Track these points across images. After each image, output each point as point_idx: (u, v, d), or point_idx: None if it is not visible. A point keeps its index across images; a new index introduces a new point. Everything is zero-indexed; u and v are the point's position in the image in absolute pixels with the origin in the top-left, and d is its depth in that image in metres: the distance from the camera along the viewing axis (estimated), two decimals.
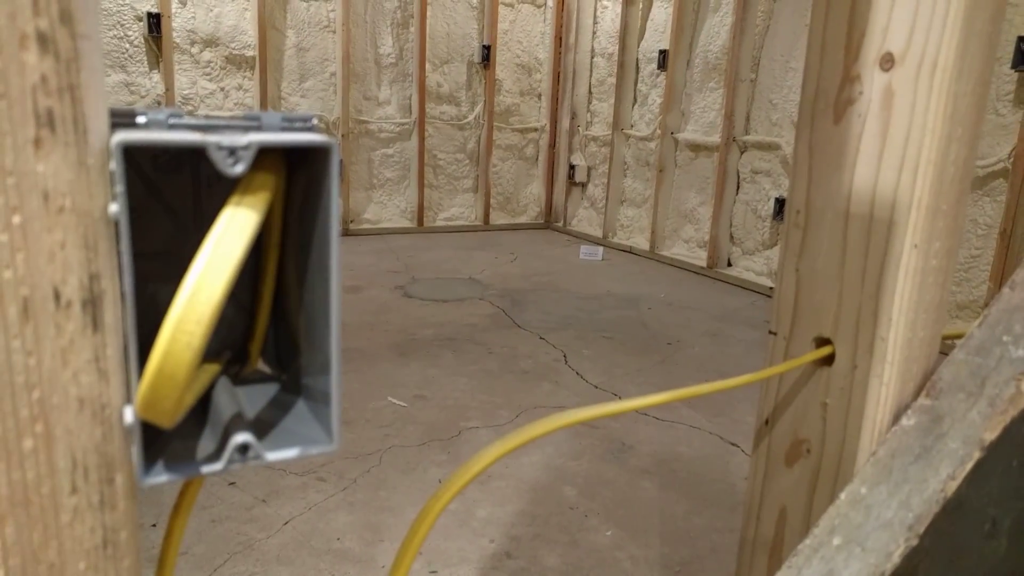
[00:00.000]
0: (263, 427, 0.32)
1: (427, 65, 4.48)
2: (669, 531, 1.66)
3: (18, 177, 0.25)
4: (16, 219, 0.25)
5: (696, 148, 4.04)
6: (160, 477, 0.28)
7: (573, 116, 4.92)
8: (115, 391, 0.28)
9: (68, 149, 0.25)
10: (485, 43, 4.62)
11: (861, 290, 0.54)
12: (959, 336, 0.57)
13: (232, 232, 0.26)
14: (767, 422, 0.64)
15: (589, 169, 4.87)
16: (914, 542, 0.48)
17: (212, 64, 4.00)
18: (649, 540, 1.63)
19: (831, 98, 0.54)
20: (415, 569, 1.50)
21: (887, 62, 0.50)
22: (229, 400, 0.33)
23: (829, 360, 0.58)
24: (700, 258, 4.02)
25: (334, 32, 4.22)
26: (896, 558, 0.47)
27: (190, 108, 3.90)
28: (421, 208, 4.67)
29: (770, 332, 0.63)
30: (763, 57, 3.64)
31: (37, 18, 0.24)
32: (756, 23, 3.63)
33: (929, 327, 0.54)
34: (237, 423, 0.31)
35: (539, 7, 4.83)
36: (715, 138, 3.87)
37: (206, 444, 0.31)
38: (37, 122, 0.25)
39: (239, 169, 0.27)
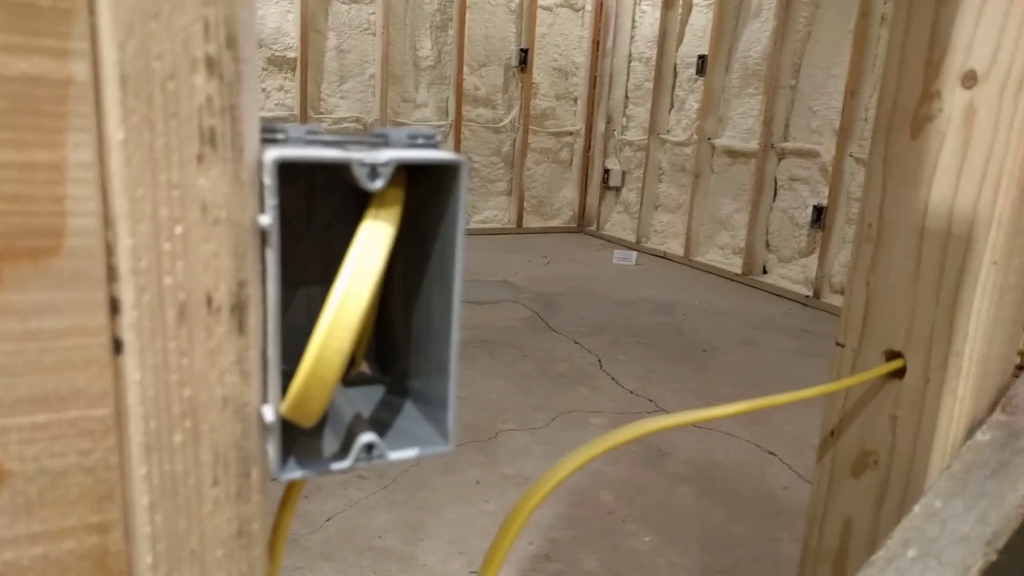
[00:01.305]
0: (379, 428, 0.34)
1: (465, 68, 4.51)
2: (708, 538, 1.66)
3: (182, 190, 0.27)
4: (178, 229, 0.27)
5: (733, 154, 4.01)
6: (294, 472, 0.30)
7: (609, 120, 4.92)
8: (254, 391, 0.30)
9: (226, 164, 0.27)
10: (523, 47, 4.64)
11: (936, 305, 0.54)
12: None
13: (373, 243, 0.28)
14: (832, 433, 0.64)
15: (624, 173, 4.86)
16: (992, 557, 0.48)
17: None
18: (688, 547, 1.63)
19: (908, 114, 0.55)
20: (455, 568, 1.52)
21: (969, 79, 0.50)
22: (346, 401, 0.35)
23: (899, 373, 0.58)
24: (735, 265, 3.99)
25: (374, 35, 4.27)
26: (974, 573, 0.47)
27: None
28: None
29: (837, 344, 0.63)
30: (804, 63, 3.61)
31: (207, 43, 0.26)
32: (798, 29, 3.60)
33: (1005, 343, 0.54)
34: (359, 423, 0.33)
35: (577, 11, 4.83)
36: (753, 144, 3.85)
37: (329, 443, 0.32)
38: (201, 139, 0.27)
39: (379, 184, 0.28)
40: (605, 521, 1.70)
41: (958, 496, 0.51)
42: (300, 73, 4.11)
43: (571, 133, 5.04)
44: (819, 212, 3.49)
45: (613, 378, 2.52)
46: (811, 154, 3.58)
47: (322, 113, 4.23)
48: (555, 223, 5.15)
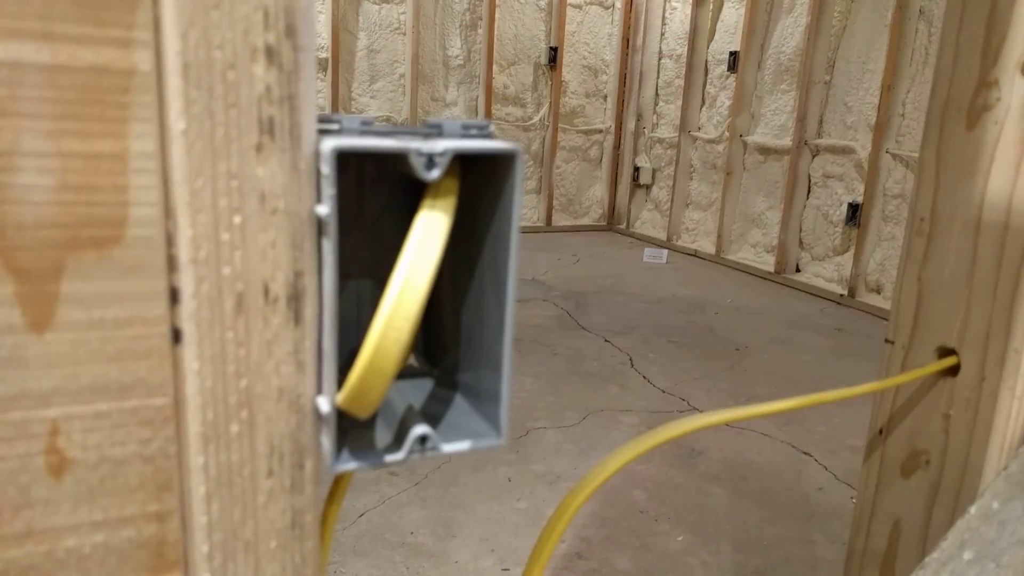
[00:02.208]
0: (430, 420, 0.33)
1: (494, 67, 4.52)
2: (741, 539, 1.64)
3: (240, 180, 0.27)
4: (236, 219, 0.27)
5: (765, 151, 3.96)
6: (348, 464, 0.30)
7: (639, 118, 4.89)
8: (309, 382, 0.30)
9: (284, 154, 0.27)
10: (552, 45, 4.63)
11: (992, 300, 0.53)
12: None
13: (430, 234, 0.27)
14: (881, 432, 0.62)
15: (654, 171, 4.82)
16: None
17: None
18: (721, 547, 1.61)
19: (964, 104, 0.53)
20: (487, 566, 1.52)
21: None
22: (396, 394, 0.35)
23: (953, 371, 0.57)
24: (767, 263, 3.94)
25: (404, 34, 4.29)
26: None
27: None
28: None
29: (886, 340, 0.62)
30: (839, 58, 3.55)
31: (267, 33, 0.26)
32: (832, 23, 3.54)
33: None
34: (412, 415, 0.32)
35: (607, 8, 4.81)
36: (786, 141, 3.79)
37: (382, 435, 0.32)
38: (260, 129, 0.27)
39: (435, 174, 0.28)
40: (637, 520, 1.68)
41: (1017, 498, 0.50)
42: (331, 73, 4.14)
43: (601, 131, 5.02)
44: (854, 209, 3.43)
45: (644, 377, 2.50)
46: (846, 150, 3.52)
47: (352, 113, 4.26)
48: (584, 221, 5.13)
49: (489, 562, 1.51)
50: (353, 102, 4.28)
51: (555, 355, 2.66)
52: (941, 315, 0.57)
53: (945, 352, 0.57)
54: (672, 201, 4.55)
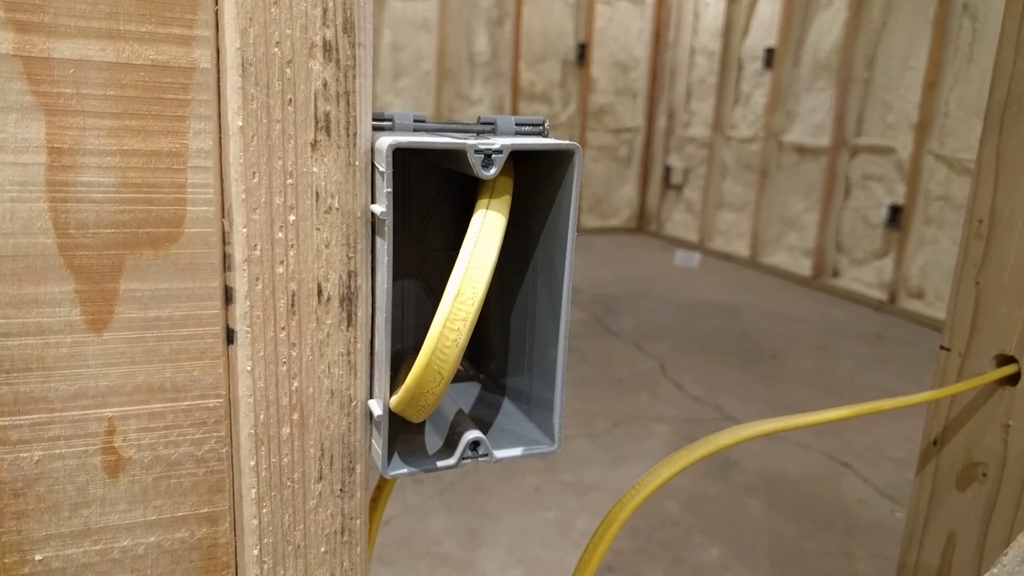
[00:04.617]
0: (480, 426, 0.33)
1: (521, 63, 4.51)
2: (778, 553, 1.61)
3: (296, 178, 0.26)
4: (291, 217, 0.27)
5: (802, 151, 3.90)
6: (401, 469, 0.29)
7: (670, 116, 4.84)
8: (361, 384, 0.29)
9: (339, 151, 0.27)
10: (581, 41, 4.61)
11: None
12: None
13: (487, 233, 0.27)
14: (935, 442, 0.60)
15: (686, 171, 4.78)
16: None
17: None
18: (757, 561, 1.58)
19: None
20: None
21: None
22: (445, 398, 0.34)
23: (1013, 379, 0.54)
24: (804, 267, 3.87)
25: (429, 31, 4.30)
26: None
27: None
28: None
29: (942, 347, 0.60)
30: (879, 55, 3.48)
31: (325, 28, 0.26)
32: (872, 19, 3.47)
33: None
34: (462, 420, 0.32)
35: (637, 4, 4.77)
36: (823, 140, 3.72)
37: (432, 440, 0.32)
38: (316, 126, 0.26)
39: (492, 172, 0.27)
40: (670, 532, 1.66)
41: None
42: None
43: (631, 129, 4.98)
44: (895, 212, 3.35)
45: (677, 384, 2.47)
46: (886, 150, 3.44)
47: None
48: (613, 222, 5.10)
49: (516, 573, 1.50)
50: (377, 100, 4.31)
51: (583, 361, 2.64)
52: (1000, 321, 0.55)
53: (1004, 360, 0.55)
54: (704, 202, 4.50)
